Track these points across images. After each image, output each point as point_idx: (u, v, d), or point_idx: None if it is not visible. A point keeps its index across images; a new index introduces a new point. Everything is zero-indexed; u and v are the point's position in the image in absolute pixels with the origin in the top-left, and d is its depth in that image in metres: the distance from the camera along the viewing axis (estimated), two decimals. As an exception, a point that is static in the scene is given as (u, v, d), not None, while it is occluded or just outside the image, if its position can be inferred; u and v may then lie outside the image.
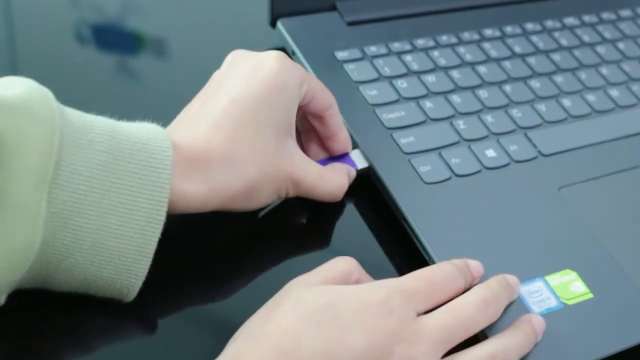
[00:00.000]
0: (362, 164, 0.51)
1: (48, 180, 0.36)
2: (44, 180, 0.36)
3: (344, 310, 0.37)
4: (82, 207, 0.38)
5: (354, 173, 0.50)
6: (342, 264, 0.41)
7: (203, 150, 0.42)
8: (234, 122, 0.43)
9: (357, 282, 0.41)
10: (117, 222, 0.38)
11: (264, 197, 0.45)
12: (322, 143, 0.50)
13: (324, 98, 0.48)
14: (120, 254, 0.39)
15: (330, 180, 0.47)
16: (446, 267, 0.42)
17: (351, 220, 0.50)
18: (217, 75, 0.46)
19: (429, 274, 0.41)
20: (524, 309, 0.44)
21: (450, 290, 0.41)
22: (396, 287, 0.39)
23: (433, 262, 0.45)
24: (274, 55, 0.46)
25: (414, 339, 0.38)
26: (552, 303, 0.45)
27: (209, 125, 0.43)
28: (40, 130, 0.37)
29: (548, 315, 0.44)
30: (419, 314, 0.39)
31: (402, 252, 0.48)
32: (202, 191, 0.42)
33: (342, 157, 0.51)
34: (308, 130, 0.51)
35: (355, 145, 0.52)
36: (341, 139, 0.50)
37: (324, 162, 0.50)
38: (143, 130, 0.41)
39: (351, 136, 0.52)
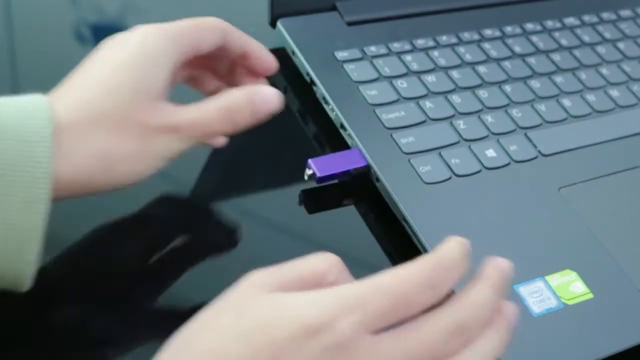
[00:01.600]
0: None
1: None
2: None
3: (278, 334, 0.31)
4: None
5: (259, 89, 0.45)
6: (320, 264, 0.35)
7: (67, 123, 0.40)
8: (89, 86, 0.42)
9: (332, 284, 0.34)
10: None
11: (128, 162, 0.42)
12: (247, 74, 0.50)
13: (208, 37, 0.47)
14: (7, 214, 0.37)
15: (215, 105, 0.44)
16: (416, 276, 0.33)
17: (351, 220, 0.50)
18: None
19: (403, 289, 0.33)
20: (524, 309, 0.44)
21: (420, 306, 0.33)
22: (353, 306, 0.32)
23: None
24: (136, 29, 0.45)
25: (363, 353, 0.32)
26: (552, 303, 0.45)
27: (71, 96, 0.42)
28: None
29: (548, 315, 0.44)
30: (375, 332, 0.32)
31: (402, 252, 0.48)
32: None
33: (351, 150, 0.50)
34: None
35: (354, 146, 0.51)
36: (254, 49, 0.49)
37: (329, 156, 0.50)
38: (23, 102, 0.39)
39: (351, 136, 0.52)
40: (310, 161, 0.49)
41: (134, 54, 0.43)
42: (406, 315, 0.33)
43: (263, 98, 0.44)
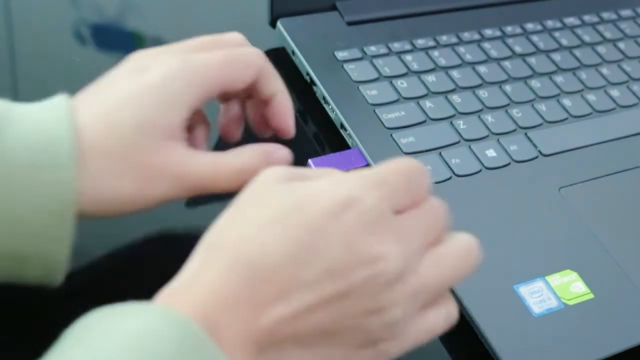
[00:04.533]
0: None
1: None
2: None
3: (312, 214, 0.33)
4: None
5: (275, 148, 0.43)
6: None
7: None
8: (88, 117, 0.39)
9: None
10: (24, 187, 0.36)
11: (121, 200, 0.39)
12: (265, 122, 0.46)
13: (239, 74, 0.43)
14: (39, 222, 0.36)
15: (227, 165, 0.41)
16: (411, 162, 0.37)
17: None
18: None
19: (406, 167, 0.36)
20: (525, 309, 0.44)
21: (425, 185, 0.37)
22: (373, 182, 0.35)
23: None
24: (160, 57, 0.42)
25: (393, 239, 0.34)
26: (553, 303, 0.45)
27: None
28: None
29: (549, 315, 0.44)
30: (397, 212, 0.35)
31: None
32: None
33: (351, 151, 0.50)
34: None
35: (352, 148, 0.51)
36: (279, 102, 0.45)
37: (331, 157, 0.49)
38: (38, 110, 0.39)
39: (351, 136, 0.52)
40: (310, 161, 0.49)
41: (152, 89, 0.40)
42: (413, 193, 0.36)
43: (278, 160, 0.42)
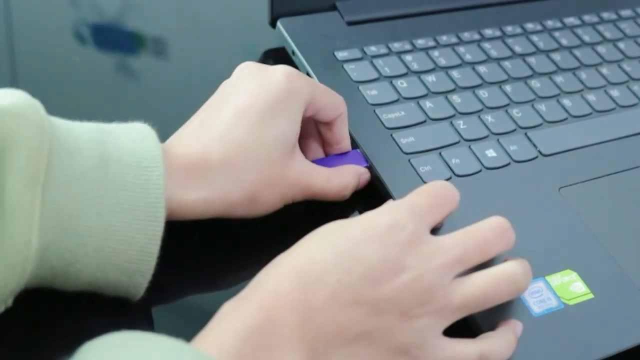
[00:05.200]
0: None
1: (40, 181, 0.37)
2: (35, 181, 0.37)
3: (354, 228, 0.39)
4: (80, 209, 0.38)
5: (364, 171, 0.50)
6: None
7: (202, 158, 0.42)
8: (236, 132, 0.44)
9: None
10: (118, 223, 0.39)
11: (268, 205, 0.46)
12: (324, 149, 0.51)
13: (331, 110, 0.49)
14: (126, 256, 0.39)
15: (338, 182, 0.48)
16: (439, 182, 0.44)
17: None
18: (223, 86, 0.47)
19: (428, 189, 0.42)
20: (525, 310, 0.44)
21: (451, 202, 0.43)
22: (400, 205, 0.41)
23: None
24: (281, 70, 0.46)
25: (428, 253, 0.39)
26: (553, 303, 0.45)
27: (210, 135, 0.43)
28: (30, 133, 0.37)
29: (549, 315, 0.44)
30: (430, 230, 0.41)
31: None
32: (200, 199, 0.42)
33: (352, 153, 0.51)
34: (309, 134, 0.51)
35: (355, 146, 0.52)
36: (344, 148, 0.50)
37: (333, 159, 0.50)
38: (132, 132, 0.41)
39: (351, 136, 0.52)
40: (315, 161, 0.49)
41: (284, 99, 0.45)
42: (445, 211, 0.42)
43: (364, 182, 0.50)
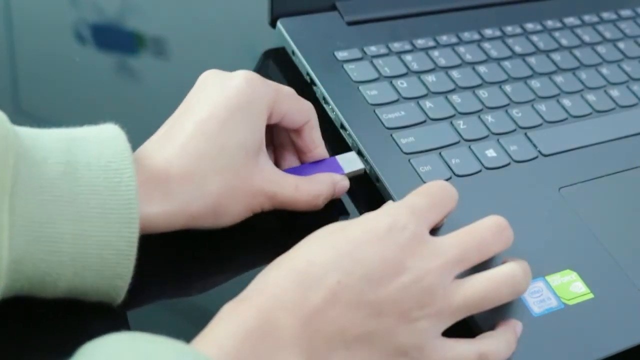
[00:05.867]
0: (354, 166, 0.50)
1: (7, 191, 0.36)
2: (2, 191, 0.36)
3: (354, 229, 0.39)
4: (51, 217, 0.38)
5: (340, 178, 0.49)
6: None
7: (162, 171, 0.42)
8: (196, 142, 0.43)
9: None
10: (91, 228, 0.38)
11: (233, 215, 0.45)
12: (299, 157, 0.50)
13: (297, 116, 0.47)
14: (102, 260, 0.39)
15: (307, 191, 0.47)
16: (437, 182, 0.43)
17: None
18: (187, 97, 0.46)
19: (427, 189, 0.42)
20: (525, 310, 0.44)
21: (450, 201, 0.43)
22: (400, 206, 0.41)
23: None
24: (242, 76, 0.45)
25: (428, 254, 0.39)
26: (553, 303, 0.45)
27: (170, 148, 0.43)
28: None
29: (549, 315, 0.44)
30: (430, 230, 0.41)
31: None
32: (161, 213, 0.42)
33: (328, 160, 0.50)
34: (283, 144, 0.50)
35: (352, 148, 0.52)
36: (318, 155, 0.49)
37: (307, 167, 0.49)
38: (101, 135, 0.41)
39: (351, 136, 0.52)
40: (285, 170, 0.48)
41: (239, 112, 0.44)
42: (445, 211, 0.42)
43: (341, 190, 0.49)
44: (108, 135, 0.41)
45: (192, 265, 0.46)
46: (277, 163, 0.50)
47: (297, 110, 0.47)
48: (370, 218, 0.40)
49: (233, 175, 0.43)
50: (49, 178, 0.38)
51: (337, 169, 0.49)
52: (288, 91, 0.47)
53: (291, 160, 0.50)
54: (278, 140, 0.50)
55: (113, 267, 0.39)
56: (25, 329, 0.41)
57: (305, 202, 0.47)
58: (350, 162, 0.50)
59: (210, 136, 0.43)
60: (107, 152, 0.40)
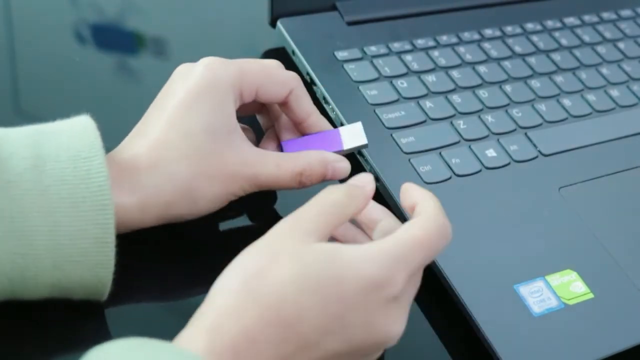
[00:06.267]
0: (356, 141, 0.48)
1: None
2: None
3: (349, 288, 0.36)
4: (22, 210, 0.38)
5: (335, 158, 0.46)
6: (341, 197, 0.39)
7: (131, 163, 0.42)
8: (160, 131, 0.43)
9: (355, 214, 0.40)
10: (64, 218, 0.38)
11: (210, 199, 0.44)
12: (298, 130, 0.49)
13: (273, 88, 0.46)
14: (80, 250, 0.39)
15: (291, 168, 0.45)
16: (445, 235, 0.39)
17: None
18: (159, 94, 0.47)
19: (429, 243, 0.38)
20: (525, 310, 0.44)
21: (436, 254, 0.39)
22: (404, 262, 0.37)
23: (435, 265, 0.45)
24: (202, 62, 0.45)
25: (406, 309, 0.38)
26: (553, 303, 0.45)
27: (138, 141, 0.43)
28: None
29: (549, 315, 0.44)
30: None
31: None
32: (134, 204, 0.41)
33: (330, 133, 0.48)
34: (269, 126, 0.50)
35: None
36: (313, 124, 0.48)
37: (307, 140, 0.48)
38: (73, 127, 0.41)
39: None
40: (282, 143, 0.48)
41: (204, 89, 0.44)
42: (428, 261, 0.39)
43: (338, 173, 0.47)
44: (77, 127, 0.41)
45: (195, 264, 0.46)
46: (265, 142, 0.49)
47: (271, 83, 0.46)
48: (370, 273, 0.36)
49: (201, 158, 0.43)
50: (17, 172, 0.38)
51: (338, 144, 0.48)
52: (257, 66, 0.46)
53: (291, 135, 0.49)
54: (274, 116, 0.49)
55: (93, 256, 0.39)
56: (16, 328, 0.41)
57: (288, 180, 0.45)
58: (353, 135, 0.48)
59: (173, 123, 0.43)
60: (77, 142, 0.40)
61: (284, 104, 0.47)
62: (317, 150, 0.47)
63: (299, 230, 0.37)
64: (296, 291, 0.35)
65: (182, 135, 0.43)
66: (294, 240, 0.37)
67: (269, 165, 0.45)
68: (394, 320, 0.37)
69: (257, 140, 0.50)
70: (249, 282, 0.35)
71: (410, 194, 0.41)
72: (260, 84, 0.46)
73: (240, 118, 0.46)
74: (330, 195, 0.39)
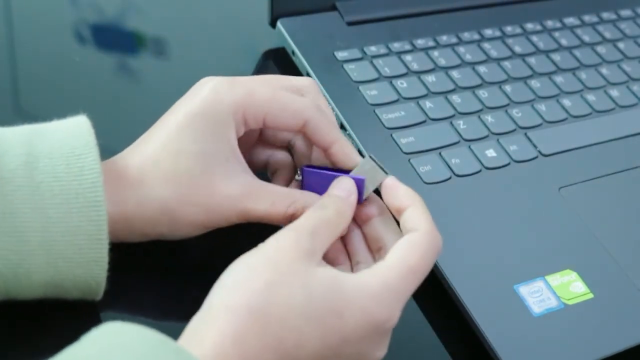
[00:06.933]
0: (378, 180, 0.43)
1: None
2: None
3: (350, 322, 0.36)
4: (14, 207, 0.38)
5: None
6: (336, 218, 0.40)
7: (121, 173, 0.41)
8: (153, 147, 0.42)
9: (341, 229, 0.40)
10: (57, 215, 0.38)
11: (191, 225, 0.42)
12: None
13: (282, 115, 0.43)
14: (74, 247, 0.38)
15: (285, 208, 0.42)
16: (430, 258, 0.39)
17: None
18: None
19: (423, 269, 0.38)
20: (525, 310, 0.44)
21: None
22: (399, 298, 0.37)
23: (435, 265, 0.45)
24: (212, 81, 0.43)
25: (385, 343, 0.39)
26: (553, 303, 0.45)
27: (135, 153, 0.42)
28: None
29: (549, 315, 0.44)
30: None
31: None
32: (118, 213, 0.41)
33: (356, 181, 0.42)
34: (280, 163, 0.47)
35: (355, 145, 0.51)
36: (336, 152, 0.43)
37: (332, 178, 0.43)
38: (67, 126, 0.41)
39: (351, 136, 0.52)
40: (304, 168, 0.45)
41: (202, 111, 0.42)
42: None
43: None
44: (72, 126, 0.41)
45: (196, 264, 0.46)
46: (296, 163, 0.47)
47: (279, 110, 0.43)
48: (371, 311, 0.36)
49: (190, 184, 0.41)
50: (10, 169, 0.38)
51: (360, 194, 0.42)
52: (267, 90, 0.43)
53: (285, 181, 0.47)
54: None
55: (86, 252, 0.39)
56: (10, 328, 0.41)
57: (280, 219, 0.42)
58: (373, 175, 0.43)
59: (166, 143, 0.41)
60: (70, 140, 0.40)
61: (301, 133, 0.44)
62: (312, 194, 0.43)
63: (300, 250, 0.37)
64: (300, 319, 0.35)
65: (173, 156, 0.41)
66: (297, 262, 0.37)
67: (262, 201, 0.42)
68: (382, 347, 0.38)
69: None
70: (254, 303, 0.35)
71: (395, 193, 0.41)
72: (267, 111, 0.43)
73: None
74: (324, 213, 0.40)
